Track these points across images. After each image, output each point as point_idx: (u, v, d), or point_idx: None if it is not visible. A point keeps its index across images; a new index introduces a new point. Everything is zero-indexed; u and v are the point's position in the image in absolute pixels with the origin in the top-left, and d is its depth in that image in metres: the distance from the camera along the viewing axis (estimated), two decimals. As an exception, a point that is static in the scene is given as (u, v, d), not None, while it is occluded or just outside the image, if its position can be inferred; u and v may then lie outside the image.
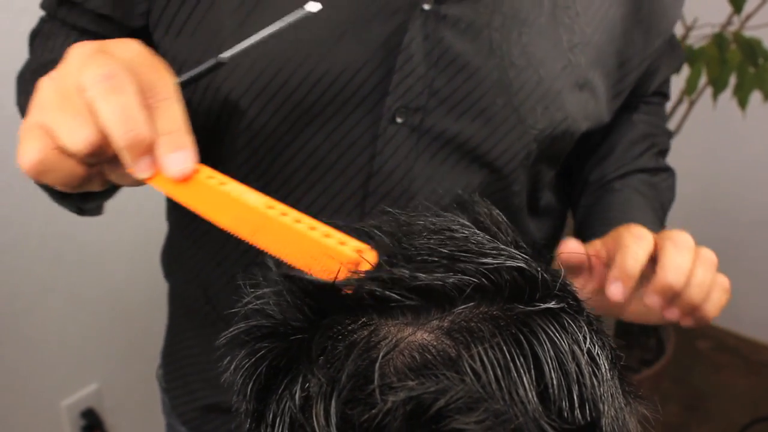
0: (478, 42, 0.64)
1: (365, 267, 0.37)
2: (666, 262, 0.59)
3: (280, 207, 0.43)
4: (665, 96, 0.89)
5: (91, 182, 0.50)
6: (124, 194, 0.67)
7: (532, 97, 0.67)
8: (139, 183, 0.48)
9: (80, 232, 1.43)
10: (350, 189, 0.68)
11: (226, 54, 0.52)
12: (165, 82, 0.47)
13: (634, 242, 0.60)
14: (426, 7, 0.62)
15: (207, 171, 0.46)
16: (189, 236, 0.80)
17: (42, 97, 0.46)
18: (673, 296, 0.60)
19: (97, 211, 0.68)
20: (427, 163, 0.67)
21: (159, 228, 0.91)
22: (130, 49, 0.47)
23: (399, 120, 0.65)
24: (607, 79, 0.72)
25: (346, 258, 0.38)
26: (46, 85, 0.47)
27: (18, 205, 1.34)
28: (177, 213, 0.83)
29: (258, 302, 0.38)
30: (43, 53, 0.70)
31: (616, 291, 0.59)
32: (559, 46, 0.68)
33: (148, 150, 0.45)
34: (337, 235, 0.40)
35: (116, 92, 0.43)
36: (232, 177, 0.46)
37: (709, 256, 0.61)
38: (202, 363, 0.84)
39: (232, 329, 0.38)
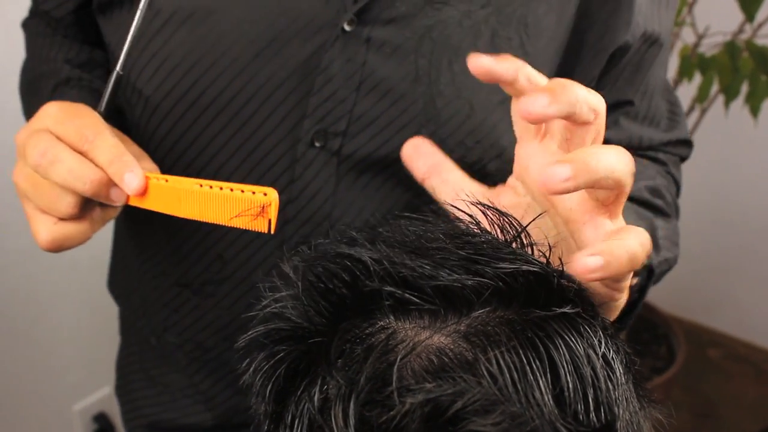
0: (404, 67, 0.60)
1: (273, 205, 0.44)
2: None
3: (200, 181, 0.50)
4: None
5: (99, 224, 0.58)
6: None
7: (462, 130, 0.62)
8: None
9: (94, 238, 1.44)
10: None
11: (119, 65, 0.58)
12: (88, 123, 0.54)
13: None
14: (347, 28, 0.59)
15: (154, 176, 0.53)
16: (131, 242, 0.79)
17: (22, 189, 0.55)
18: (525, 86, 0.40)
19: None
20: (350, 187, 0.64)
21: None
22: (48, 113, 0.55)
23: (318, 144, 0.62)
24: None
25: (258, 202, 0.45)
26: (17, 180, 0.55)
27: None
28: (121, 224, 0.82)
29: (277, 305, 0.38)
30: (32, 60, 0.73)
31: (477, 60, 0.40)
32: None
33: (110, 184, 0.53)
34: (246, 187, 0.47)
35: (55, 162, 0.52)
36: None
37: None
38: (144, 380, 0.83)
39: (251, 332, 0.38)
